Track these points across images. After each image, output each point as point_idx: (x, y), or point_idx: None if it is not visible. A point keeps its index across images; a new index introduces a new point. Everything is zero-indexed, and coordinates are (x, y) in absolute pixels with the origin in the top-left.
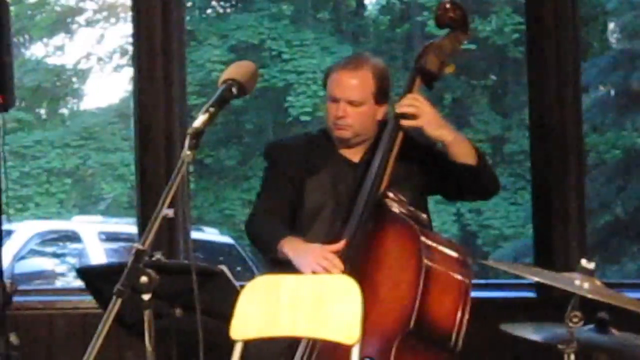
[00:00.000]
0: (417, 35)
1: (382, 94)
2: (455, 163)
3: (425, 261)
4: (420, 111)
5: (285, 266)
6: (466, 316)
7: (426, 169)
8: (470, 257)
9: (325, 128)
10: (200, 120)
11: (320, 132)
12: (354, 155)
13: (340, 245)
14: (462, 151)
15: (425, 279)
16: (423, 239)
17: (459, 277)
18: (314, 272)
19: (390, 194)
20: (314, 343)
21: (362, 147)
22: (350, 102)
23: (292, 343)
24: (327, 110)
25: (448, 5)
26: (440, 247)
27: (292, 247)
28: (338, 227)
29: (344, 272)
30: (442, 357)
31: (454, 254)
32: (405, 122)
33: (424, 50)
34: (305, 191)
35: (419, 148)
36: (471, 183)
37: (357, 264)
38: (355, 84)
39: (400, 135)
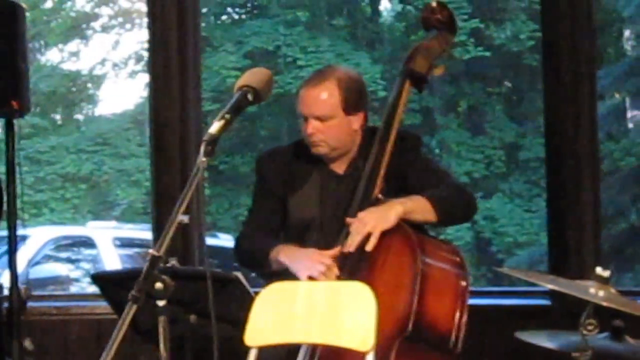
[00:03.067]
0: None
1: (351, 104)
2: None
3: (420, 264)
4: (367, 228)
5: (281, 278)
6: (464, 318)
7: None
8: (463, 258)
9: None
10: (215, 126)
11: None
12: (338, 167)
13: (336, 250)
14: (420, 217)
15: (422, 282)
16: (418, 242)
17: (456, 279)
18: (310, 277)
19: (383, 199)
20: (314, 348)
21: (346, 159)
22: (317, 117)
23: (291, 349)
24: (301, 129)
25: (434, 6)
26: (435, 250)
27: (287, 254)
28: (328, 240)
29: (340, 277)
30: (442, 359)
31: (448, 255)
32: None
33: (412, 53)
34: (292, 205)
35: (407, 153)
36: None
37: (355, 270)
38: (319, 99)
39: (392, 141)
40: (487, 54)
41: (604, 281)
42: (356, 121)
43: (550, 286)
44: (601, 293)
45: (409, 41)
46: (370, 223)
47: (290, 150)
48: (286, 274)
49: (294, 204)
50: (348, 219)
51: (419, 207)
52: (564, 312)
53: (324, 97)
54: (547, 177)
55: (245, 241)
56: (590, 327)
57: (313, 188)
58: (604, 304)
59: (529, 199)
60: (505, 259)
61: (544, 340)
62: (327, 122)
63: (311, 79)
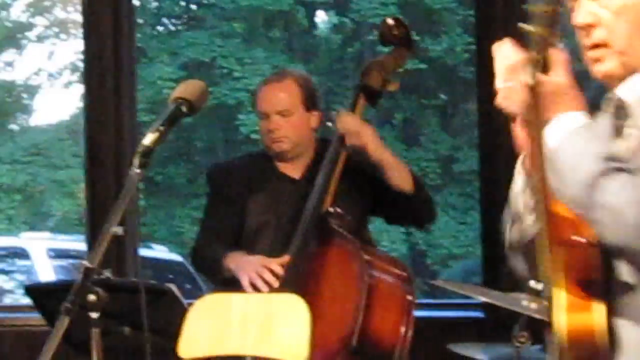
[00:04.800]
0: (368, 54)
1: (310, 101)
2: (391, 187)
3: (367, 278)
4: (362, 131)
5: (234, 285)
6: (410, 332)
7: (366, 190)
8: (412, 275)
9: (264, 148)
10: (149, 138)
11: (262, 151)
12: (295, 171)
13: (283, 259)
14: (399, 175)
15: (368, 296)
16: (365, 256)
17: (402, 293)
18: (252, 284)
19: (334, 212)
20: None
21: (302, 162)
22: (279, 112)
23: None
24: (260, 129)
25: (391, 23)
26: (383, 264)
27: (234, 260)
28: (281, 245)
29: (284, 287)
30: None
31: (396, 270)
32: (349, 140)
33: (367, 68)
34: (247, 211)
35: (359, 169)
36: (406, 209)
37: (301, 281)
38: (281, 95)
39: (344, 153)
40: (423, 66)
41: (536, 294)
42: (314, 120)
43: (483, 298)
44: (533, 305)
45: (345, 53)
46: (367, 130)
47: (243, 160)
48: (238, 283)
49: (250, 208)
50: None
51: (403, 167)
52: (498, 325)
53: (285, 93)
54: (481, 190)
55: (200, 250)
56: (522, 340)
57: (268, 193)
58: (536, 316)
59: (463, 211)
60: (439, 271)
61: (476, 352)
62: (288, 117)
63: (270, 79)
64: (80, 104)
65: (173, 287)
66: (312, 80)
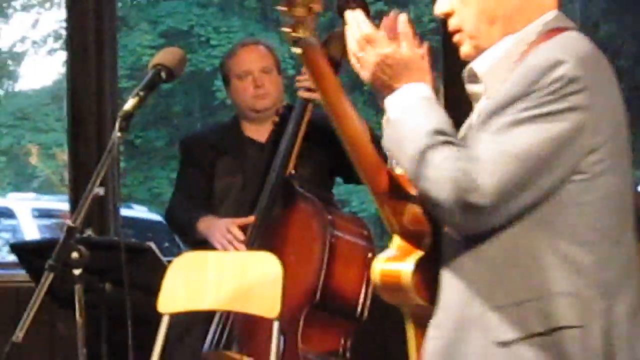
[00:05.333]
0: (339, 22)
1: (279, 65)
2: None
3: (329, 237)
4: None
5: (206, 246)
6: (370, 288)
7: (328, 152)
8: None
9: (234, 116)
10: (130, 103)
11: (230, 120)
12: (260, 135)
13: (247, 219)
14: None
15: (330, 253)
16: (327, 215)
17: (363, 251)
18: (223, 247)
19: (297, 174)
20: (227, 315)
21: (268, 127)
22: (262, 69)
23: (207, 315)
24: (239, 90)
25: None
26: (344, 223)
27: (205, 225)
28: (247, 205)
29: (251, 247)
30: (348, 327)
31: (357, 229)
32: (306, 94)
33: (327, 39)
34: (216, 174)
35: (322, 132)
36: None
37: (267, 241)
38: (262, 53)
39: (307, 117)
40: None
41: None
42: (282, 82)
43: None
44: None
45: (318, 23)
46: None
47: (212, 128)
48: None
49: (218, 171)
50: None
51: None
52: None
53: (265, 52)
54: None
55: (174, 212)
56: None
57: (235, 156)
58: None
59: None
60: None
61: None
62: (270, 74)
63: (246, 42)
64: (63, 70)
65: (152, 245)
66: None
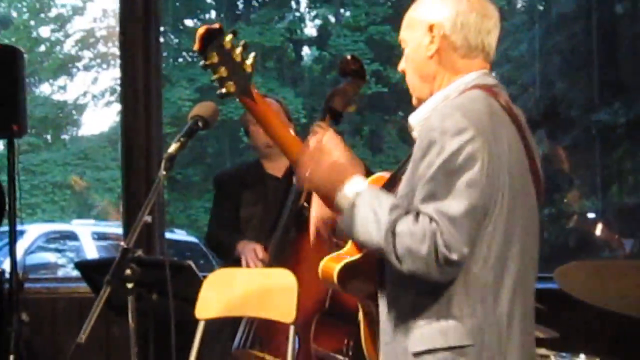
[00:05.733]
0: (342, 81)
1: (288, 115)
2: None
3: None
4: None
5: (235, 264)
6: None
7: None
8: None
9: (258, 157)
10: (173, 147)
11: (254, 160)
12: (278, 171)
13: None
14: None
15: None
16: (333, 239)
17: None
18: (250, 265)
19: (308, 206)
20: (252, 321)
21: (284, 163)
22: None
23: (234, 321)
24: (256, 133)
25: (349, 59)
26: None
27: (241, 246)
28: (267, 230)
29: (273, 265)
30: (350, 330)
31: None
32: None
33: (332, 94)
34: (241, 205)
35: None
36: None
37: (286, 261)
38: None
39: None
40: (385, 90)
41: None
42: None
43: None
44: None
45: (325, 80)
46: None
47: (239, 167)
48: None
49: (243, 201)
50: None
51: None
52: None
53: (275, 106)
54: None
55: (213, 237)
56: None
57: (256, 189)
58: None
59: None
60: None
61: None
62: None
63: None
64: (118, 119)
65: (191, 263)
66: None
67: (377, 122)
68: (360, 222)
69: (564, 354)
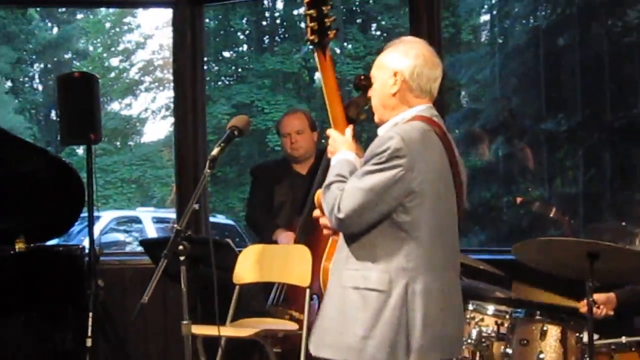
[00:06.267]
0: (346, 98)
1: (312, 125)
2: None
3: None
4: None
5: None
6: None
7: None
8: None
9: (285, 156)
10: (215, 151)
11: (283, 158)
12: (303, 169)
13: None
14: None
15: None
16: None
17: None
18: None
19: None
20: (282, 285)
21: (307, 164)
22: (297, 131)
23: (267, 284)
24: (283, 143)
25: (362, 77)
26: None
27: (277, 233)
28: (295, 216)
29: (298, 243)
30: None
31: None
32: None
33: (347, 105)
34: (274, 194)
35: None
36: None
37: (308, 239)
38: (296, 121)
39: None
40: None
41: None
42: (314, 137)
43: None
44: None
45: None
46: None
47: (272, 162)
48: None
49: (275, 192)
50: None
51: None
52: None
53: (299, 120)
54: None
55: (252, 219)
56: None
57: (286, 183)
58: None
59: None
60: None
61: None
62: (302, 134)
63: (289, 113)
64: (171, 129)
65: (229, 241)
66: (311, 114)
67: (374, 130)
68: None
69: (519, 310)
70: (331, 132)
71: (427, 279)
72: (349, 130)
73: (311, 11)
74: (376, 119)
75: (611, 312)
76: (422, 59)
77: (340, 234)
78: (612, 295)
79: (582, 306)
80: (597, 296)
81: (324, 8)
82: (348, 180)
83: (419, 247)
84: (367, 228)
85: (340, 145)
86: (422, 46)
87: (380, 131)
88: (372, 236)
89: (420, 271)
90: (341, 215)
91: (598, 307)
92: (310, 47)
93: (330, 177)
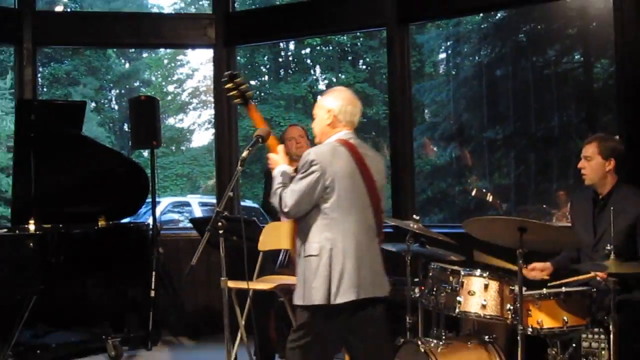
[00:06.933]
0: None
1: (307, 135)
2: None
3: None
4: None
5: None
6: None
7: None
8: None
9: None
10: (244, 153)
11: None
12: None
13: None
14: None
15: None
16: None
17: None
18: None
19: None
20: (287, 250)
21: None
22: (299, 136)
23: (275, 251)
24: (289, 146)
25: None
26: None
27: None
28: None
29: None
30: None
31: None
32: None
33: None
34: None
35: None
36: None
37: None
38: (298, 129)
39: None
40: (364, 120)
41: (417, 221)
42: (308, 144)
43: (393, 222)
44: (415, 226)
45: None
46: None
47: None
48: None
49: None
50: None
51: None
52: (400, 234)
53: (301, 130)
54: (392, 182)
55: (266, 205)
56: (410, 241)
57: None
58: (417, 231)
59: None
60: None
61: (390, 246)
62: (303, 138)
63: (291, 125)
64: (213, 138)
65: (255, 219)
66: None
67: (369, 141)
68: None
69: (467, 269)
70: (270, 155)
71: (344, 244)
72: (281, 150)
73: (229, 85)
74: (316, 140)
75: (547, 277)
76: (347, 100)
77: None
78: (548, 264)
79: (527, 272)
80: (537, 264)
81: (237, 80)
82: (288, 184)
83: (337, 223)
84: (304, 215)
85: (276, 162)
86: (346, 92)
87: None
88: (308, 219)
89: (339, 239)
90: (286, 209)
91: (539, 272)
92: (240, 105)
93: (275, 184)
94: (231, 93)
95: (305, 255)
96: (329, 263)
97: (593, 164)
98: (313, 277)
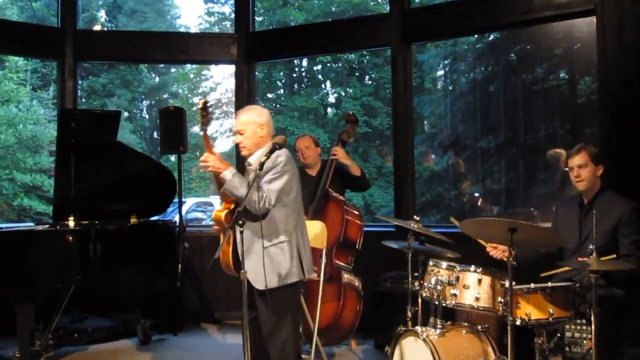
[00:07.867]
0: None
1: (316, 143)
2: (351, 175)
3: (345, 215)
4: (340, 154)
5: None
6: (362, 236)
7: (342, 178)
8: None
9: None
10: (263, 159)
11: (299, 166)
12: (312, 172)
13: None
14: (354, 170)
15: (345, 222)
16: (343, 205)
17: (358, 221)
18: None
19: (330, 189)
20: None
21: (315, 168)
22: (307, 147)
23: None
24: (299, 156)
25: (351, 113)
26: (351, 209)
27: None
28: (308, 202)
29: (311, 219)
30: (353, 252)
31: (355, 212)
32: (334, 157)
33: (341, 132)
34: None
35: (339, 170)
36: (357, 184)
37: (319, 216)
38: (308, 140)
39: (333, 165)
40: (369, 130)
41: (417, 221)
42: (319, 151)
43: (395, 222)
44: (415, 226)
45: (339, 125)
46: (341, 154)
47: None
48: None
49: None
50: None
51: (355, 166)
52: (402, 233)
53: (309, 140)
54: (395, 181)
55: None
56: (411, 239)
57: (302, 181)
58: (417, 230)
59: (385, 189)
60: (376, 212)
61: (393, 244)
62: (309, 148)
63: (299, 136)
64: (233, 144)
65: None
66: (315, 137)
67: (365, 148)
68: (235, 186)
69: (463, 265)
70: (213, 164)
71: (298, 232)
72: (214, 158)
73: (204, 113)
74: (246, 152)
75: (505, 258)
76: (268, 114)
77: (248, 223)
78: (506, 247)
79: (490, 248)
80: (501, 245)
81: (209, 110)
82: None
83: (294, 215)
84: (275, 208)
85: (221, 167)
86: (263, 108)
87: (253, 158)
88: (275, 212)
89: (296, 228)
90: (269, 206)
91: (501, 252)
92: (202, 131)
93: (242, 189)
94: (204, 118)
95: (277, 242)
96: (294, 247)
97: (588, 170)
98: (288, 259)
